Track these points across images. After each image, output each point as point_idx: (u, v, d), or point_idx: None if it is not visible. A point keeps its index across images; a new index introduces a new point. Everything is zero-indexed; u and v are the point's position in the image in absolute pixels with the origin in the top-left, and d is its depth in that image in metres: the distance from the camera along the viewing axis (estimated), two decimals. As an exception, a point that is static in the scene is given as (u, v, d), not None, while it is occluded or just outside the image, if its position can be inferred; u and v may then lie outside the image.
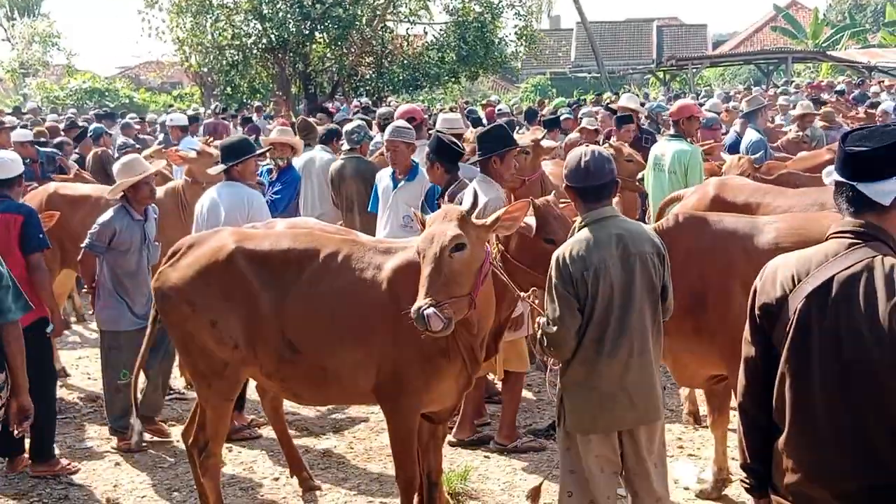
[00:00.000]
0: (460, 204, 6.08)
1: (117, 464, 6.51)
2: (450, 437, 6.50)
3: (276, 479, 6.17)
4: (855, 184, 2.84)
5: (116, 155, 13.18)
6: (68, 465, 6.37)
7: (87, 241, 6.62)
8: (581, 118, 13.45)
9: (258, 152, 7.38)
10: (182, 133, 13.42)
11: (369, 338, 4.78)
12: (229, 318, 4.91)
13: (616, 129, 11.16)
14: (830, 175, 2.97)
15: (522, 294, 4.72)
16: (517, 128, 12.84)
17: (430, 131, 9.40)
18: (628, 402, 4.13)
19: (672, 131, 8.78)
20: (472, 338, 4.68)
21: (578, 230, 4.20)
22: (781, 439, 2.89)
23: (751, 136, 10.24)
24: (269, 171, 8.98)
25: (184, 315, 5.04)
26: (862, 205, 2.84)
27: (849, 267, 2.78)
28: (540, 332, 4.18)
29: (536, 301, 4.79)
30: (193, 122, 17.07)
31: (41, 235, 6.16)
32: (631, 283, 4.08)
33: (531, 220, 4.74)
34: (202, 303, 4.97)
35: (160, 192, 8.24)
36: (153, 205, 7.01)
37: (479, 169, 6.46)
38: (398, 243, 5.01)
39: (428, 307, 4.07)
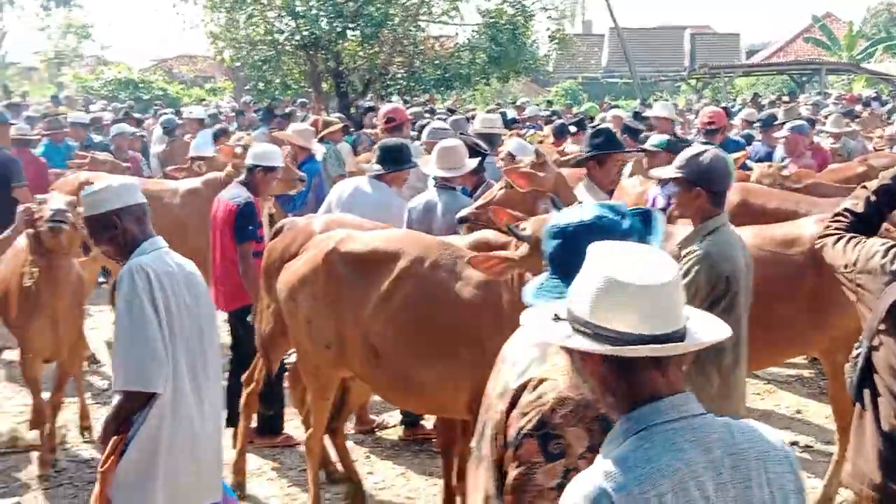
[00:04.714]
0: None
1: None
2: None
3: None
4: None
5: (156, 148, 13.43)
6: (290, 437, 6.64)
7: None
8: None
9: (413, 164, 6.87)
10: (199, 126, 13.50)
11: (455, 352, 4.58)
12: (322, 318, 4.95)
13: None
14: None
15: None
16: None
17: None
18: None
19: (702, 139, 8.77)
20: None
21: (706, 234, 4.01)
22: None
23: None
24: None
25: (290, 311, 5.14)
26: None
27: None
28: None
29: None
30: (214, 119, 17.26)
31: (250, 227, 6.25)
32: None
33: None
34: (301, 300, 5.03)
35: (199, 182, 8.29)
36: None
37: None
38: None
39: None
